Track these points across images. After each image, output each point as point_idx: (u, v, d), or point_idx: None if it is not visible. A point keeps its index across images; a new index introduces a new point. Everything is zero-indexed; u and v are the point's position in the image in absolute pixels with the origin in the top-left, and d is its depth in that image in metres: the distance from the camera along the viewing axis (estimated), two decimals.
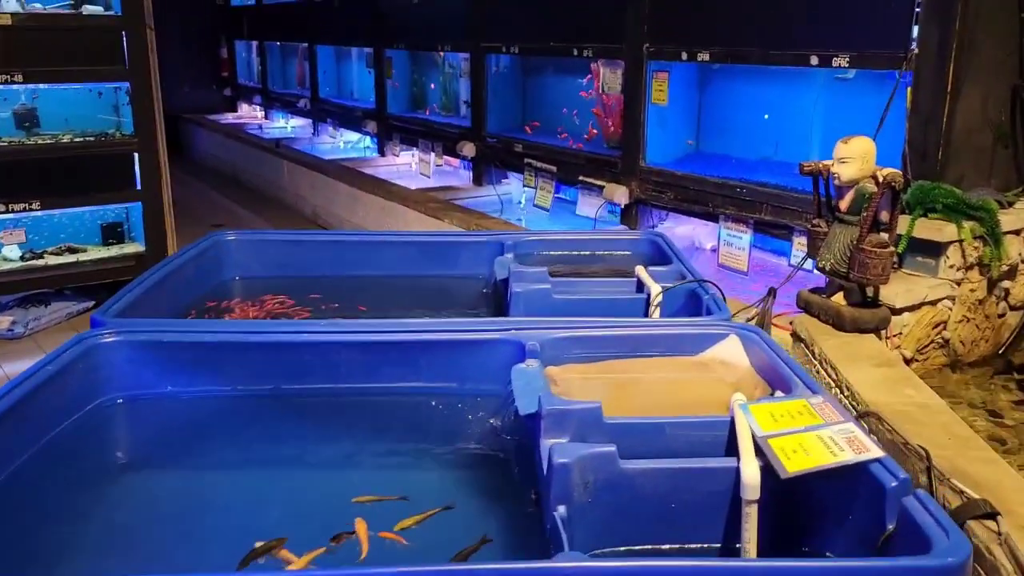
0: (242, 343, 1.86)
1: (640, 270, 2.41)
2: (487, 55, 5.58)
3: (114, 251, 4.53)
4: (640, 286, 2.39)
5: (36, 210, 4.17)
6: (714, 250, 4.22)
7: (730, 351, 1.89)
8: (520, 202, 5.67)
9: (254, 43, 10.72)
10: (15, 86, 4.01)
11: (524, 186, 5.34)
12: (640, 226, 4.39)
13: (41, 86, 4.16)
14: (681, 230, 4.56)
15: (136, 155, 4.33)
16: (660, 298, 2.24)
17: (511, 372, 1.77)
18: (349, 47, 8.43)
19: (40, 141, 4.18)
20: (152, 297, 2.28)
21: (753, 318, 2.89)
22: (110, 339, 1.84)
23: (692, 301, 2.27)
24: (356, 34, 7.68)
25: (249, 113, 11.39)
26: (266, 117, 10.77)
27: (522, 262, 2.70)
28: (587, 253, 2.82)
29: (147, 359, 1.86)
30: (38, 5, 4.15)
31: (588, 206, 4.64)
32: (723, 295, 2.27)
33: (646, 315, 2.26)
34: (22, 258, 4.32)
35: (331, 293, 2.68)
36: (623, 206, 4.35)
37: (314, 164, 7.20)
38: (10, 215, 4.14)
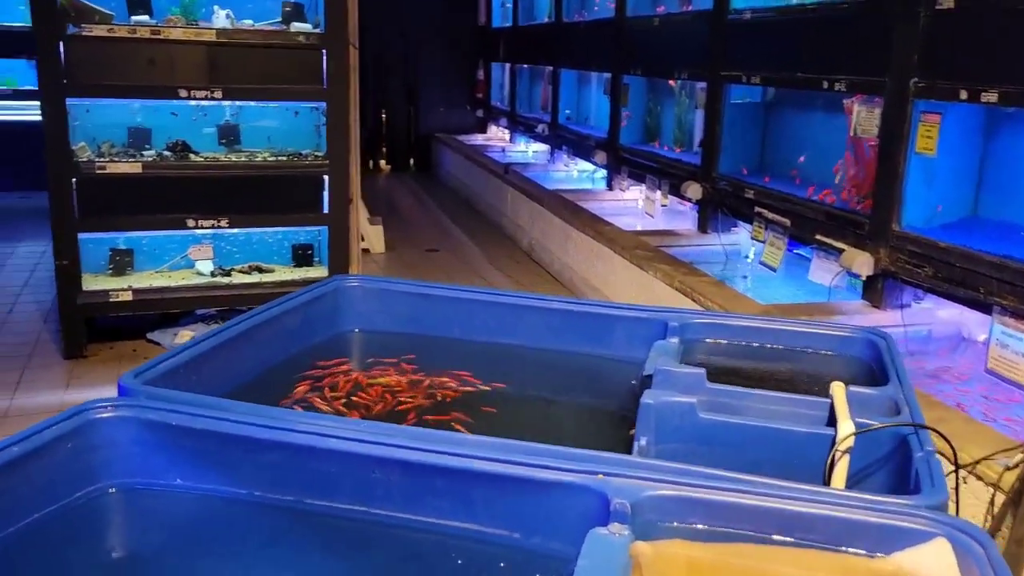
0: (260, 440, 1.52)
1: (837, 390, 1.78)
2: (725, 84, 4.99)
3: (299, 274, 4.52)
4: (833, 417, 1.76)
5: (223, 228, 4.23)
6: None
7: (935, 565, 1.23)
8: (748, 256, 5.00)
9: (507, 65, 10.84)
10: (216, 102, 4.09)
11: (752, 239, 4.67)
12: (887, 304, 3.59)
13: (240, 103, 4.23)
14: (945, 314, 3.69)
15: (326, 178, 4.28)
16: (851, 443, 1.60)
17: (586, 538, 1.26)
18: (589, 71, 8.15)
19: (236, 158, 4.25)
20: (238, 350, 2.04)
21: (999, 494, 2.10)
22: (111, 414, 1.57)
23: (900, 454, 1.61)
24: (596, 56, 7.37)
25: (496, 135, 11.55)
26: (510, 140, 10.85)
27: (688, 350, 2.15)
28: (776, 348, 2.20)
29: (156, 443, 1.58)
30: (249, 21, 4.22)
31: (823, 271, 3.90)
32: (954, 451, 1.59)
33: (827, 465, 1.63)
34: (212, 274, 4.42)
35: (458, 359, 2.31)
36: (865, 277, 3.58)
37: (534, 194, 6.97)
38: (199, 231, 4.23)
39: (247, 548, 1.50)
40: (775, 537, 1.30)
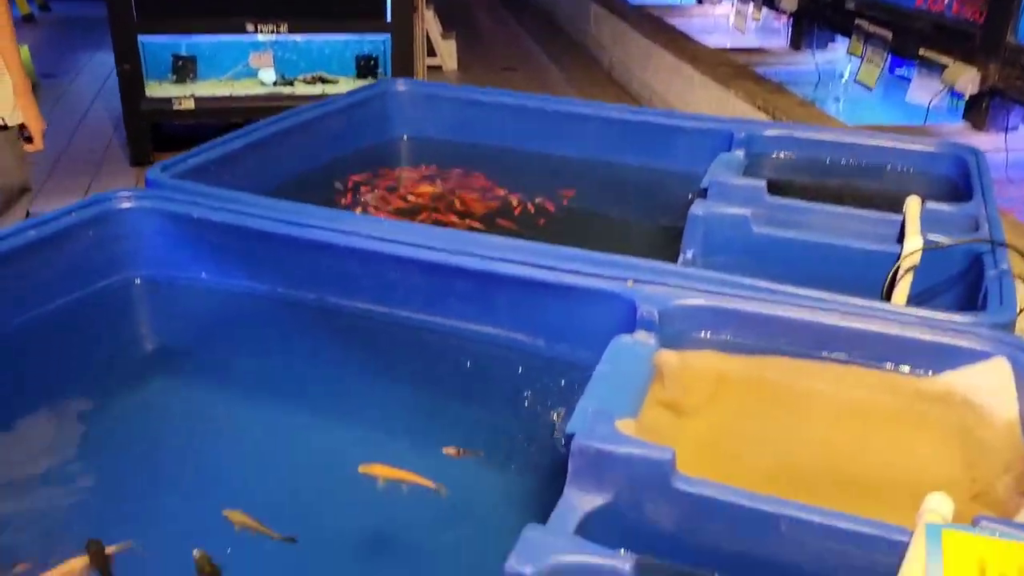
0: (281, 236, 1.47)
1: (911, 205, 1.62)
2: None
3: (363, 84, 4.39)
4: (903, 234, 1.61)
5: (284, 33, 4.10)
6: None
7: (990, 385, 1.13)
8: (843, 76, 4.63)
9: None
10: None
11: (848, 54, 4.31)
12: (990, 127, 3.29)
13: None
14: None
15: None
16: (916, 260, 1.46)
17: (608, 345, 1.20)
18: None
19: None
20: (274, 150, 1.98)
21: None
22: (133, 204, 1.54)
23: (972, 274, 1.47)
24: None
25: None
26: None
27: (753, 164, 2.00)
28: (852, 164, 2.02)
29: (180, 235, 1.55)
30: None
31: (923, 90, 3.58)
32: None
33: (888, 282, 1.50)
34: (274, 84, 4.34)
35: (510, 169, 2.21)
36: (968, 96, 3.26)
37: (617, 8, 6.55)
38: (260, 37, 4.12)
39: (269, 342, 1.49)
40: (818, 353, 1.21)
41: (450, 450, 1.19)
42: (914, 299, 1.50)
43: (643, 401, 1.11)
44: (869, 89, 3.95)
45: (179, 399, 1.38)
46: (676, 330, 1.25)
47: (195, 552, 1.01)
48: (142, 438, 1.27)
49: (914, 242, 1.47)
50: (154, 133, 4.30)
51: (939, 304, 1.52)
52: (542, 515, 0.89)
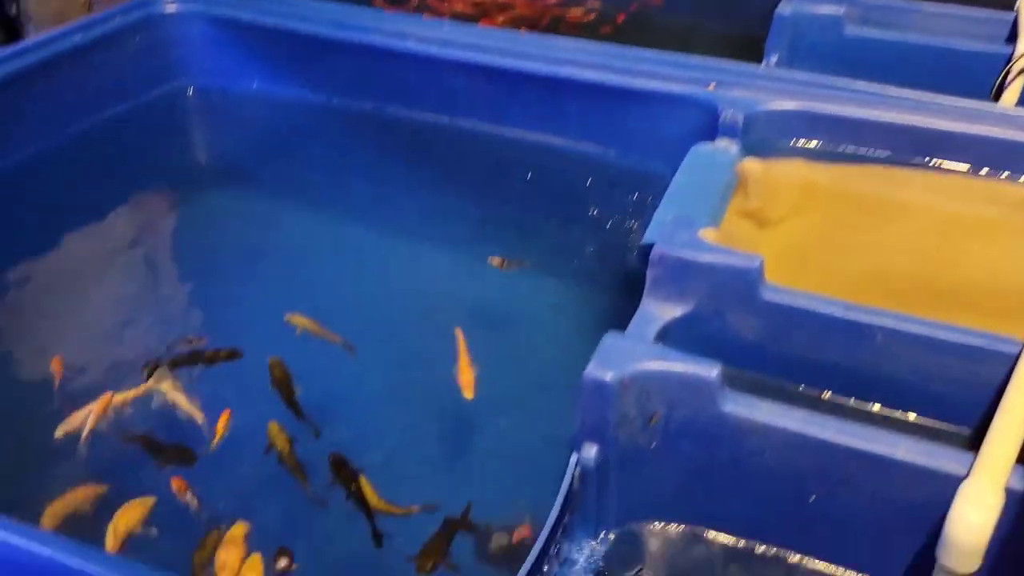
0: (334, 40, 1.39)
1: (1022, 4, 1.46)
2: None
3: None
4: (1015, 32, 1.46)
5: None
6: None
7: None
8: None
9: None
10: None
11: None
12: None
13: None
14: None
15: None
16: None
17: (688, 153, 1.13)
18: None
19: None
20: None
21: None
22: (179, 8, 1.47)
23: None
24: None
25: None
26: None
27: None
28: None
29: (230, 42, 1.48)
30: None
31: None
32: None
33: (996, 87, 1.37)
34: None
35: None
36: None
37: None
38: None
39: (325, 154, 1.44)
40: (919, 160, 1.12)
41: (495, 260, 1.16)
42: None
43: (724, 211, 1.05)
44: None
45: (236, 210, 1.35)
46: (761, 137, 1.16)
47: (269, 359, 1.00)
48: (201, 247, 1.25)
49: None
50: None
51: None
52: (612, 328, 0.86)
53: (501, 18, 1.78)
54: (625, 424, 0.76)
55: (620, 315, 0.98)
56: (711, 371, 0.74)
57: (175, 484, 0.87)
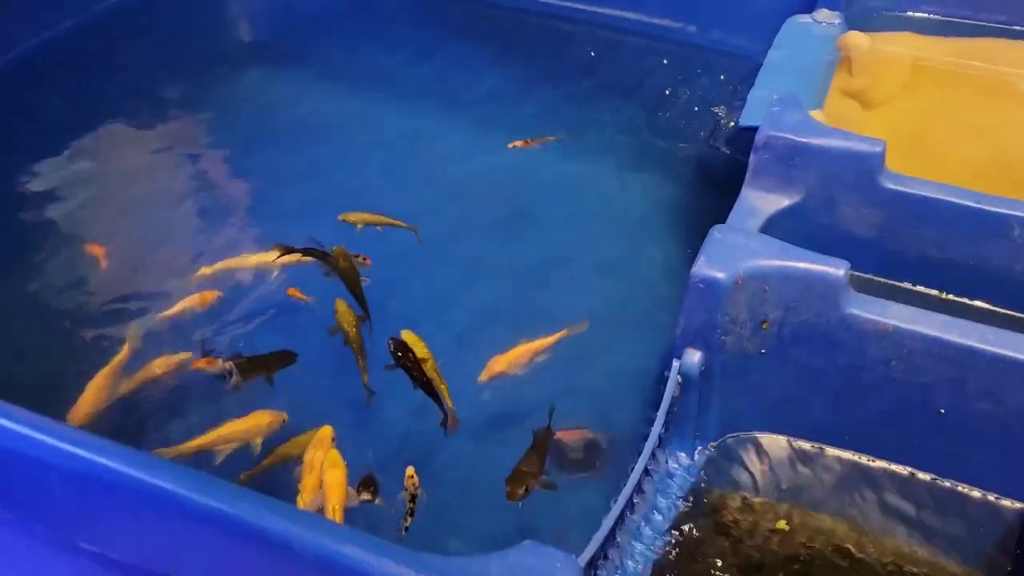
0: None
1: None
2: None
3: None
4: None
5: None
6: None
7: None
8: None
9: None
10: None
11: None
12: None
13: None
14: None
15: None
16: None
17: (782, 27, 1.02)
18: None
19: None
20: None
21: None
22: None
23: None
24: None
25: None
26: None
27: None
28: None
29: None
30: None
31: None
32: None
33: None
34: None
35: None
36: None
37: None
38: None
39: (376, 32, 1.33)
40: None
41: (516, 143, 1.06)
42: None
43: (827, 90, 0.95)
44: None
45: (277, 91, 1.26)
46: (865, 7, 1.05)
47: (334, 248, 0.92)
48: (244, 134, 1.17)
49: None
50: None
51: None
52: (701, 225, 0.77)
53: None
54: (734, 328, 0.68)
55: (706, 209, 0.90)
56: (839, 269, 0.65)
57: None
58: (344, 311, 0.87)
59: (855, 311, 0.66)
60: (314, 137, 1.16)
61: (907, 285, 0.81)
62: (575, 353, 0.83)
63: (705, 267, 0.66)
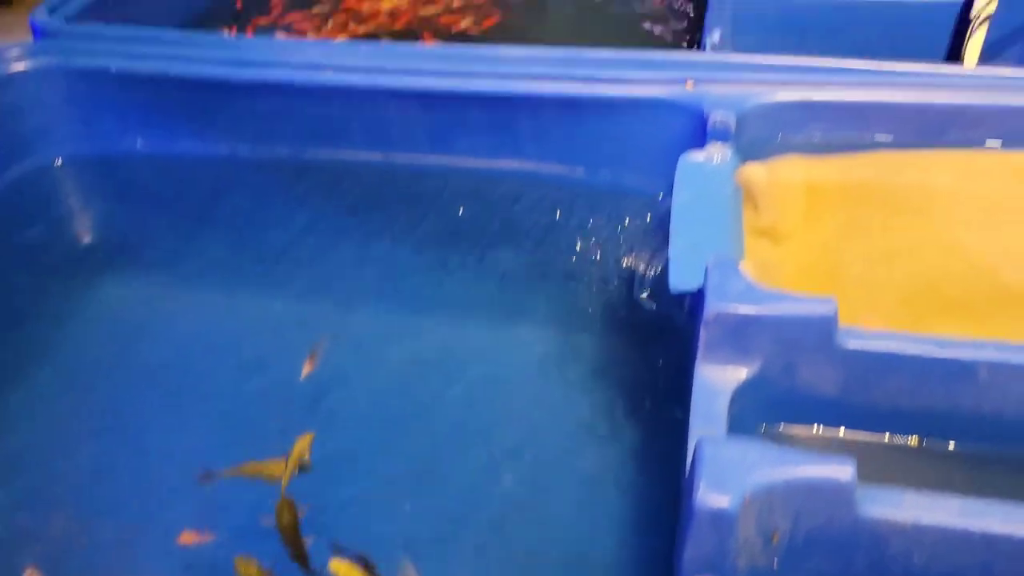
0: (236, 83, 1.18)
1: None
2: None
3: None
4: None
5: None
6: None
7: None
8: None
9: None
10: None
11: None
12: None
13: None
14: None
15: None
16: (992, 7, 1.26)
17: (678, 165, 0.99)
18: None
19: None
20: None
21: None
22: (29, 65, 1.22)
23: None
24: None
25: None
26: None
27: None
28: None
29: (99, 97, 1.25)
30: None
31: None
32: None
33: (956, 44, 1.30)
34: None
35: None
36: None
37: None
38: None
39: (238, 213, 1.22)
40: (928, 141, 1.02)
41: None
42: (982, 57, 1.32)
43: (742, 234, 0.93)
44: None
45: (135, 304, 1.12)
46: (754, 136, 1.05)
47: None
48: (97, 366, 1.02)
49: None
50: None
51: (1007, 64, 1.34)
52: (632, 397, 0.72)
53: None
54: (745, 548, 0.63)
55: (623, 363, 0.85)
56: (846, 470, 0.61)
57: None
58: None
59: (868, 511, 0.62)
60: (179, 361, 1.03)
61: (883, 437, 0.78)
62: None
63: (709, 495, 0.60)
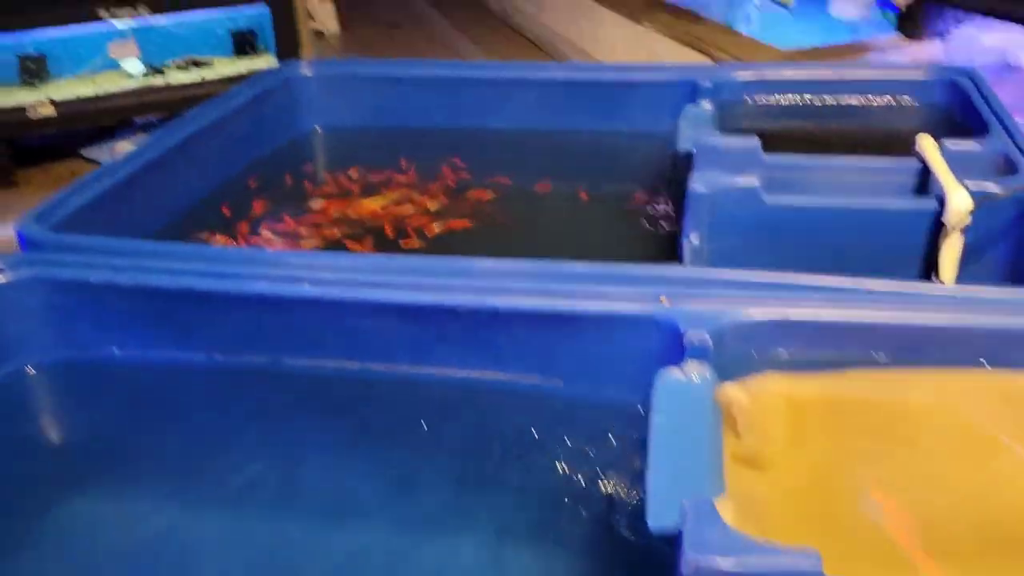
0: (213, 294, 1.18)
1: (926, 146, 1.43)
2: None
3: (243, 65, 3.98)
4: (924, 180, 1.43)
5: (143, 15, 3.66)
6: None
7: None
8: None
9: None
10: None
11: None
12: (927, 35, 3.16)
13: None
14: (989, 40, 3.27)
15: None
16: (968, 221, 1.28)
17: (654, 384, 0.97)
18: None
19: None
20: (170, 172, 1.65)
21: None
22: (12, 277, 1.22)
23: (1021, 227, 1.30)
24: None
25: None
26: None
27: (726, 115, 1.79)
28: (832, 104, 1.83)
29: (78, 307, 1.24)
30: None
31: (848, 4, 3.43)
32: None
33: (930, 254, 1.32)
34: (143, 75, 3.88)
35: (440, 153, 1.94)
36: (902, 6, 3.13)
37: None
38: (117, 23, 3.65)
39: (215, 423, 1.20)
40: (907, 358, 1.01)
41: None
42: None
43: (722, 463, 0.90)
44: (787, 7, 3.78)
45: (111, 523, 1.09)
46: (730, 354, 1.03)
47: None
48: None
49: (959, 198, 1.28)
50: (14, 147, 3.80)
51: (988, 270, 1.35)
52: None
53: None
54: None
55: None
56: None
57: None
58: None
59: None
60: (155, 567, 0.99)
61: None
62: None
63: None
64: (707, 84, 1.81)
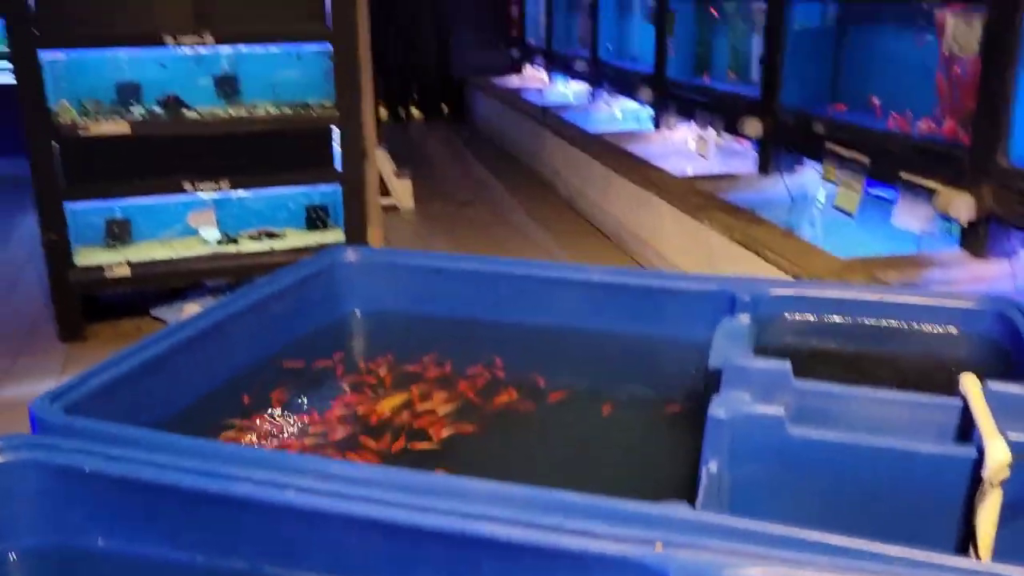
0: (199, 492, 1.15)
1: (970, 387, 1.35)
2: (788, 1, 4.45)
3: (314, 238, 4.16)
4: (967, 424, 1.34)
5: (225, 189, 3.88)
6: None
7: None
8: (818, 200, 4.50)
9: None
10: (210, 49, 3.70)
11: (824, 179, 4.18)
12: (991, 254, 3.10)
13: (234, 48, 3.84)
14: None
15: (335, 129, 3.89)
16: (1006, 474, 1.18)
17: None
18: None
19: (235, 112, 3.87)
20: (201, 353, 1.68)
21: None
22: (6, 459, 1.22)
23: None
24: None
25: (533, 75, 11.00)
26: (548, 80, 10.29)
27: (763, 330, 1.75)
28: (873, 325, 1.77)
29: (68, 493, 1.23)
30: None
31: (911, 216, 3.41)
32: None
33: (968, 510, 1.22)
34: (218, 242, 4.08)
35: (482, 345, 1.94)
36: (966, 223, 3.09)
37: (572, 136, 6.49)
38: (201, 194, 3.88)
39: None
40: None
41: None
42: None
43: None
44: (851, 215, 3.79)
45: None
46: None
47: None
48: None
49: (996, 449, 1.19)
50: (89, 302, 3.99)
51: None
52: None
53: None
54: None
55: None
56: None
57: None
58: None
59: None
60: None
61: None
62: None
63: None
64: (746, 298, 1.79)
